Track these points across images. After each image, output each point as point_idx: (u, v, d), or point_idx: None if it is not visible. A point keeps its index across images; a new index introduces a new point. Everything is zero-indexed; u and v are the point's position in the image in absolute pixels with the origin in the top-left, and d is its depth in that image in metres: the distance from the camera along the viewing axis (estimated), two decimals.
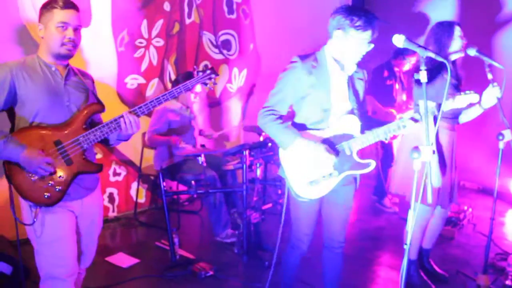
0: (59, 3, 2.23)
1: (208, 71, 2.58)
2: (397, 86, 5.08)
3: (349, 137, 2.52)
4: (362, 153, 2.56)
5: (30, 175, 2.20)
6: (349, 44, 2.43)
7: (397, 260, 3.90)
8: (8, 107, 2.24)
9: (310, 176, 2.50)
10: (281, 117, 2.50)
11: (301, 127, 2.53)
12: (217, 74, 2.62)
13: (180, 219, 4.52)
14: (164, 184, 3.81)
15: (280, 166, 2.60)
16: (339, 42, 2.45)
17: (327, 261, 2.82)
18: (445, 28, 3.12)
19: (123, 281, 3.49)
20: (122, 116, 2.33)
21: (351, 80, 2.58)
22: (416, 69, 2.35)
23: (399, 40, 2.19)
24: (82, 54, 4.19)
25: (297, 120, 2.59)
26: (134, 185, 4.91)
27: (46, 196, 2.22)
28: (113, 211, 4.79)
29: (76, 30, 2.28)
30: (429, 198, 2.22)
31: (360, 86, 2.64)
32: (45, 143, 2.22)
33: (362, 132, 2.52)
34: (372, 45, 2.46)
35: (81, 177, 2.32)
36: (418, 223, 3.30)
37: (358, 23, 2.36)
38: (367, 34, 2.39)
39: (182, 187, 4.64)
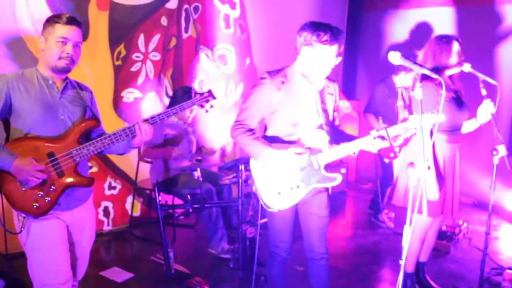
0: (62, 18, 2.30)
1: (206, 94, 2.67)
2: (399, 103, 5.05)
3: (317, 151, 2.60)
4: (329, 167, 2.65)
5: (21, 184, 2.22)
6: (317, 59, 2.51)
7: (393, 275, 3.89)
8: (2, 118, 2.28)
9: (277, 187, 2.60)
10: (250, 129, 2.60)
11: (271, 140, 2.62)
12: (214, 97, 2.70)
13: (175, 233, 4.51)
14: (160, 198, 3.81)
15: (250, 179, 2.72)
16: (307, 57, 2.54)
17: (312, 274, 2.90)
18: (443, 44, 3.14)
19: None
20: (134, 125, 2.39)
21: (320, 95, 2.66)
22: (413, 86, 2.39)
23: (394, 57, 2.22)
24: (83, 68, 4.21)
25: (268, 133, 2.69)
26: (130, 199, 4.88)
27: (34, 206, 2.24)
28: (108, 224, 4.76)
29: (76, 46, 2.33)
30: (424, 212, 2.24)
31: (330, 101, 2.72)
32: (38, 154, 2.24)
33: (330, 146, 2.62)
34: (339, 59, 2.56)
35: (72, 188, 2.35)
36: (417, 234, 3.30)
37: (324, 38, 2.45)
38: (334, 48, 2.48)
39: (178, 201, 4.63)
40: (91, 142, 2.34)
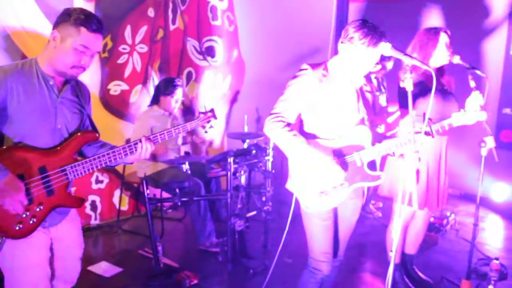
0: (90, 23, 2.00)
1: (209, 114, 2.53)
2: (376, 93, 5.08)
3: (360, 148, 2.47)
4: (372, 165, 2.52)
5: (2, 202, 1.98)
6: (358, 58, 2.37)
7: (381, 267, 3.90)
8: None
9: (320, 186, 2.43)
10: (289, 124, 2.40)
11: (310, 137, 2.46)
12: (216, 118, 2.55)
13: (164, 227, 4.48)
14: (148, 191, 3.77)
15: (289, 178, 2.53)
16: (348, 55, 2.39)
17: None
18: (431, 35, 3.15)
19: None
20: (137, 143, 2.19)
21: (360, 91, 2.55)
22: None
23: (385, 48, 2.20)
24: None
25: (306, 129, 2.52)
26: (117, 193, 4.84)
27: (17, 228, 2.00)
28: (96, 219, 4.71)
29: (93, 55, 2.09)
30: (415, 204, 2.24)
31: (369, 98, 2.61)
32: (29, 168, 2.01)
33: (373, 143, 2.49)
34: (379, 66, 2.44)
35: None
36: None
37: (367, 39, 2.30)
38: (376, 50, 2.33)
39: (166, 195, 4.60)
40: (88, 159, 2.12)
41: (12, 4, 3.74)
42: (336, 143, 2.46)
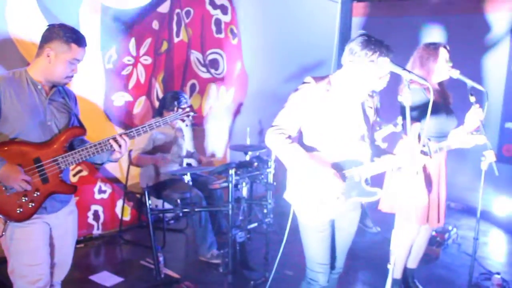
0: (79, 40, 2.31)
1: (187, 109, 2.68)
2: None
3: (359, 163, 2.48)
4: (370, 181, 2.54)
5: (5, 189, 2.23)
6: (362, 76, 2.36)
7: (381, 280, 3.88)
8: None
9: (317, 198, 2.44)
10: (290, 137, 2.42)
11: (309, 149, 2.46)
12: (195, 113, 2.72)
13: (165, 237, 4.49)
14: (150, 202, 3.79)
15: (287, 188, 2.55)
16: (352, 71, 2.38)
17: None
18: (431, 50, 3.17)
19: None
20: (111, 139, 2.39)
21: (362, 107, 2.55)
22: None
23: (383, 63, 2.23)
24: None
25: (306, 141, 2.52)
26: (120, 203, 4.86)
27: (18, 211, 2.26)
28: (98, 228, 4.73)
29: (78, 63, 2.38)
30: (413, 218, 2.25)
31: (370, 114, 2.61)
32: (24, 159, 2.26)
33: (372, 160, 2.50)
34: (384, 83, 2.42)
35: None
36: (405, 242, 3.31)
37: (372, 57, 2.28)
38: (381, 70, 2.33)
39: (168, 206, 4.62)
40: (77, 150, 2.36)
41: (18, 14, 3.81)
42: (335, 157, 2.47)
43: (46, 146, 2.32)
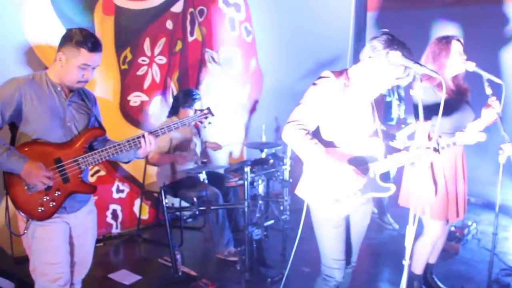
0: (88, 44, 2.27)
1: (206, 111, 2.74)
2: (396, 102, 5.05)
3: (373, 159, 2.48)
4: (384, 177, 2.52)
5: (27, 188, 2.28)
6: (381, 74, 2.34)
7: (399, 277, 3.85)
8: (11, 122, 2.32)
9: (334, 194, 2.44)
10: (309, 132, 2.38)
11: (327, 144, 2.44)
12: (213, 115, 2.75)
13: (183, 235, 4.53)
14: (166, 201, 3.82)
15: (300, 184, 2.55)
16: (370, 68, 2.36)
17: None
18: (442, 45, 3.11)
19: None
20: (140, 137, 2.45)
21: (375, 102, 2.55)
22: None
23: (394, 56, 2.20)
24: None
25: (324, 136, 2.50)
26: (138, 202, 4.91)
27: (40, 210, 2.31)
28: (117, 227, 4.79)
29: (94, 68, 2.37)
30: (427, 213, 2.22)
31: (379, 110, 2.60)
32: (46, 159, 2.30)
33: (385, 156, 2.49)
34: (402, 82, 2.39)
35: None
36: (429, 239, 3.26)
37: (392, 58, 2.24)
38: (399, 70, 2.31)
39: (185, 204, 4.65)
40: (97, 151, 2.40)
41: (36, 19, 3.87)
42: (350, 152, 2.46)
43: (67, 147, 2.37)
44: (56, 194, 2.34)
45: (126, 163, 2.67)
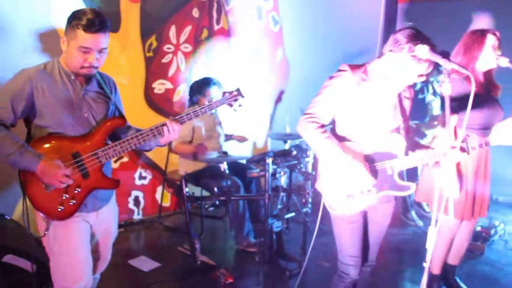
0: (82, 23, 2.06)
1: (235, 92, 2.52)
2: (429, 98, 4.91)
3: (393, 156, 2.41)
4: (403, 175, 2.45)
5: (45, 186, 2.15)
6: (401, 69, 2.27)
7: (420, 275, 3.77)
8: (24, 116, 2.18)
9: (347, 189, 2.40)
10: (323, 126, 2.36)
11: (342, 139, 2.41)
12: (243, 96, 2.55)
13: (203, 224, 4.53)
14: (187, 189, 3.82)
15: (318, 179, 2.52)
16: (392, 63, 2.30)
17: None
18: (476, 37, 3.00)
19: (142, 285, 3.52)
20: (164, 125, 2.30)
21: (398, 98, 2.46)
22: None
23: (422, 51, 2.12)
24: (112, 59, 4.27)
25: (339, 131, 2.46)
26: (160, 189, 4.94)
27: (59, 209, 2.18)
28: (138, 214, 4.83)
29: (101, 52, 2.16)
30: (450, 213, 2.14)
31: (406, 105, 2.51)
32: (63, 155, 2.15)
33: (406, 153, 2.42)
34: (423, 78, 2.31)
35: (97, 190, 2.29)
36: (444, 235, 3.19)
37: (418, 52, 2.17)
38: (422, 66, 2.24)
39: (206, 193, 4.65)
40: (117, 142, 2.25)
41: (62, 4, 3.89)
42: (368, 148, 2.40)
43: (85, 139, 2.21)
44: (76, 191, 2.19)
45: (147, 151, 2.52)
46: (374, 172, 2.38)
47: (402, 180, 2.42)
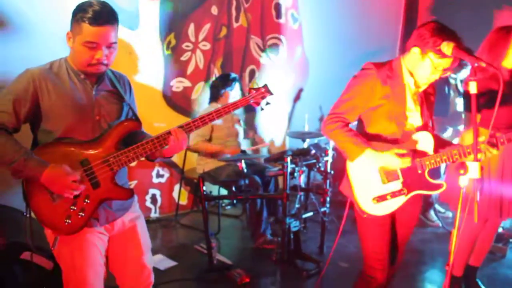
0: (87, 15, 1.87)
1: (262, 89, 2.29)
2: (452, 94, 4.82)
3: (422, 154, 2.35)
4: (433, 173, 2.38)
5: (51, 197, 1.94)
6: (425, 65, 2.24)
7: (440, 277, 3.71)
8: (29, 121, 1.99)
9: (377, 191, 2.34)
10: (348, 124, 2.32)
11: (372, 138, 2.36)
12: (271, 93, 2.32)
13: (220, 223, 4.51)
14: (205, 188, 3.80)
15: (344, 181, 2.45)
16: (416, 59, 2.26)
17: None
18: (503, 34, 2.93)
19: (158, 283, 3.50)
20: (169, 133, 2.05)
21: (424, 95, 2.42)
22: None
23: (447, 48, 2.07)
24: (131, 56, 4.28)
25: (366, 130, 2.41)
26: (177, 188, 4.94)
27: (66, 223, 1.96)
28: (155, 212, 4.84)
29: (110, 47, 1.97)
30: (475, 215, 2.08)
31: (431, 102, 2.47)
32: (70, 162, 1.93)
33: (436, 150, 2.35)
34: (449, 73, 2.27)
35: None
36: (466, 237, 3.12)
37: (444, 49, 2.11)
38: (447, 62, 2.20)
39: (224, 192, 4.64)
40: (130, 148, 2.01)
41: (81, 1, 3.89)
42: (397, 147, 2.34)
43: (96, 145, 1.99)
44: (85, 203, 1.97)
45: (152, 161, 2.25)
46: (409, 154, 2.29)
47: (433, 179, 2.36)
